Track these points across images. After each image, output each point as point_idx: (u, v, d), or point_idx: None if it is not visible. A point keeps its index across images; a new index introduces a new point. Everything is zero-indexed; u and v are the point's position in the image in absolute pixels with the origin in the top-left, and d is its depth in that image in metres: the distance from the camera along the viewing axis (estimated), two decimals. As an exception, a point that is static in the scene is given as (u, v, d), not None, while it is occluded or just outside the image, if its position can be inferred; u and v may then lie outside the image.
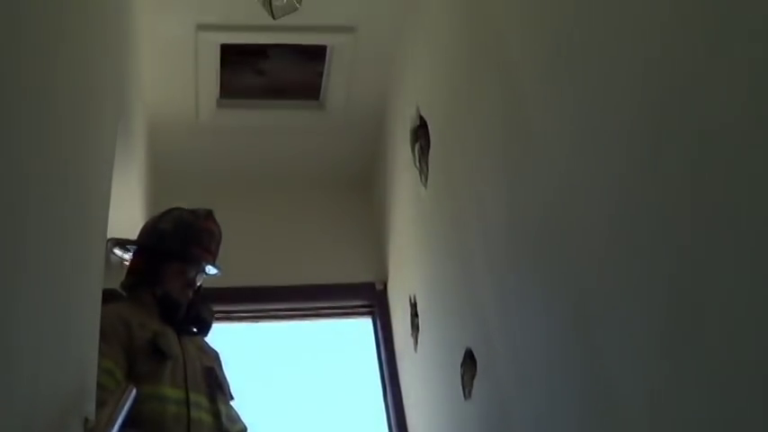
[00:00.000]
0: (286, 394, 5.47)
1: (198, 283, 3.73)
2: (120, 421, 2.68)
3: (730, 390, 1.79)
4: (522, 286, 3.10)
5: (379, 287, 5.61)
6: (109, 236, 3.64)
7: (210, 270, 3.78)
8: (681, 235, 1.96)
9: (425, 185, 4.34)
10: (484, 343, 3.56)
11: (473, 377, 3.70)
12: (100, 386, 2.95)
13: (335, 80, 5.21)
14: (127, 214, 4.43)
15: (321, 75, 5.22)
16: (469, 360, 3.74)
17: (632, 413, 2.25)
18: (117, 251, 3.82)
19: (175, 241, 3.66)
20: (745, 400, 1.73)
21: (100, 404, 2.72)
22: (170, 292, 3.60)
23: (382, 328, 5.53)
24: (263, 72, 5.21)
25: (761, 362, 1.67)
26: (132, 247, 3.78)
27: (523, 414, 3.12)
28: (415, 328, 4.79)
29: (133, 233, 3.93)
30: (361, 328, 5.72)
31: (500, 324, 3.35)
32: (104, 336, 3.10)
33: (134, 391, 2.92)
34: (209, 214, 3.80)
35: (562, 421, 2.76)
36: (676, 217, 1.98)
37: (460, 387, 3.84)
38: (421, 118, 4.39)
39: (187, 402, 3.35)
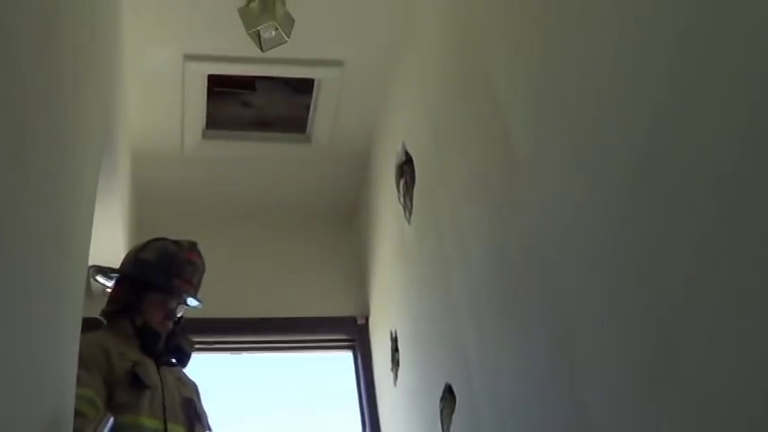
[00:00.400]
0: (265, 426, 5.45)
1: (178, 315, 3.71)
2: None
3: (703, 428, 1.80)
4: (504, 325, 3.11)
5: (360, 321, 5.61)
6: (90, 263, 3.64)
7: (192, 302, 3.76)
8: (665, 279, 1.97)
9: (409, 221, 4.36)
10: (464, 379, 3.56)
11: (452, 413, 3.70)
12: (80, 414, 2.94)
13: (322, 114, 5.23)
14: (109, 243, 4.42)
15: (308, 108, 5.24)
16: (449, 395, 3.74)
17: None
18: (99, 278, 3.80)
19: (157, 272, 3.65)
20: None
21: None
22: (150, 322, 3.59)
23: (363, 362, 5.53)
24: (249, 104, 5.22)
25: (733, 404, 1.69)
26: (114, 275, 3.76)
27: (501, 451, 3.12)
28: (395, 363, 4.79)
29: (115, 261, 3.92)
30: (342, 362, 5.71)
31: (481, 361, 3.35)
32: (85, 364, 3.09)
33: (111, 420, 2.90)
34: (192, 246, 3.78)
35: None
36: (660, 260, 1.99)
37: (439, 422, 3.84)
38: (407, 154, 4.40)
39: None
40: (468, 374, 3.48)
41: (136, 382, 3.35)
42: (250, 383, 5.85)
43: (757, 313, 1.61)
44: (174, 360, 3.67)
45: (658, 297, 1.99)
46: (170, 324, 3.64)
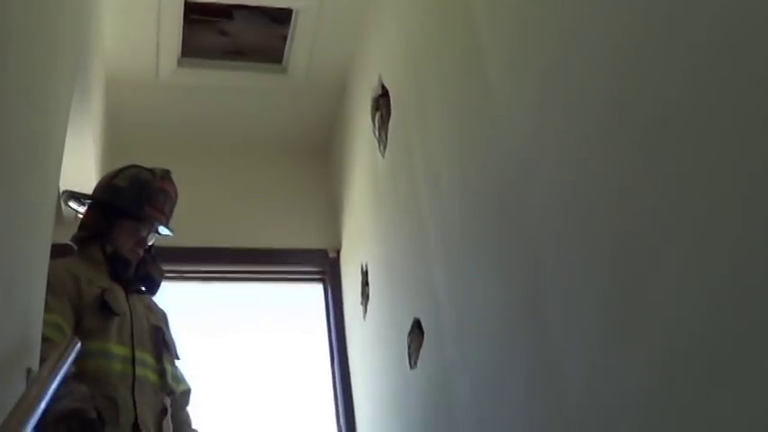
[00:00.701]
0: (233, 357, 5.46)
1: (149, 243, 3.70)
2: (63, 373, 2.67)
3: (668, 370, 1.82)
4: (474, 259, 3.12)
5: (331, 254, 5.61)
6: (63, 189, 3.62)
7: (163, 230, 3.75)
8: (637, 220, 1.98)
9: (383, 155, 4.35)
10: (432, 314, 3.58)
11: (419, 347, 3.72)
12: (47, 340, 2.94)
13: (299, 45, 5.18)
14: (81, 169, 4.40)
15: (285, 38, 5.19)
16: (417, 330, 3.75)
17: (573, 389, 2.28)
18: (72, 204, 3.78)
19: (130, 199, 3.62)
20: (681, 379, 1.76)
21: (46, 358, 2.71)
22: (120, 249, 3.57)
23: (333, 295, 5.54)
24: (226, 33, 5.17)
25: (697, 347, 1.70)
26: (87, 201, 3.74)
27: (467, 385, 3.14)
28: (365, 296, 4.81)
29: (87, 188, 3.90)
30: (313, 295, 5.72)
31: (450, 296, 3.37)
32: (53, 290, 3.08)
33: (78, 344, 2.90)
34: (166, 174, 3.75)
35: (504, 394, 2.79)
36: (634, 191, 1.99)
37: (406, 356, 3.86)
38: (383, 87, 4.38)
39: (133, 360, 3.34)
40: (437, 310, 3.50)
41: (104, 308, 3.35)
42: (220, 314, 5.85)
43: (727, 258, 1.62)
44: (143, 288, 3.67)
45: (629, 238, 2.00)
46: (140, 252, 3.63)
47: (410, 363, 3.83)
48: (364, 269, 4.83)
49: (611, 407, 2.08)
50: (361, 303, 4.85)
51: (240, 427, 5.24)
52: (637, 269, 1.96)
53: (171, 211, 3.74)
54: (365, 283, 4.81)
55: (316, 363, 5.53)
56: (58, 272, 3.22)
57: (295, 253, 5.61)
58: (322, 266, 5.63)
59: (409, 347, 3.84)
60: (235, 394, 5.34)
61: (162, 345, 3.52)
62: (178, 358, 3.65)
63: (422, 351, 3.70)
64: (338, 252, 5.59)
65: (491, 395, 2.91)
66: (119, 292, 3.46)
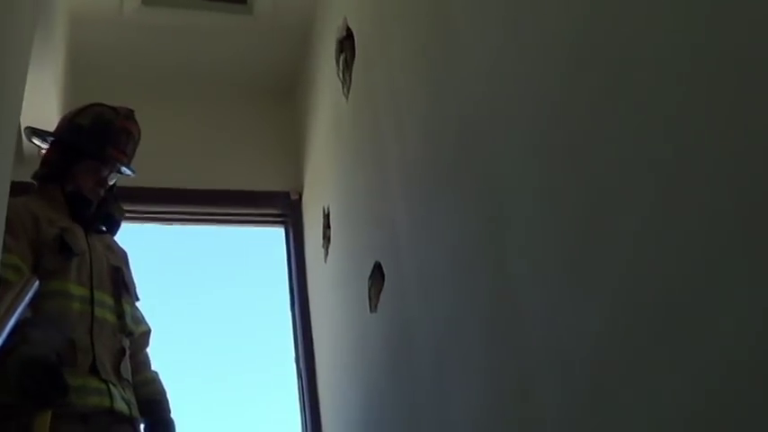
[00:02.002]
0: (193, 298, 5.47)
1: (111, 182, 3.66)
2: (20, 310, 2.66)
3: (626, 314, 1.83)
4: (436, 203, 3.12)
5: (293, 197, 5.58)
6: (24, 126, 3.58)
7: (125, 171, 3.71)
8: (598, 162, 1.99)
9: (347, 97, 4.33)
10: (393, 257, 3.58)
11: (380, 291, 3.72)
12: (6, 282, 2.92)
13: (264, -15, 5.14)
14: (43, 105, 4.34)
15: (250, -23, 5.14)
16: (378, 273, 3.76)
17: (532, 332, 2.29)
18: (35, 140, 3.73)
19: (91, 138, 3.58)
20: (638, 324, 1.78)
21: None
22: (81, 188, 3.53)
23: (294, 238, 5.53)
24: (192, -29, 5.11)
25: (656, 291, 1.72)
26: (50, 138, 3.69)
27: (427, 329, 3.16)
28: (326, 239, 4.81)
29: (48, 125, 3.85)
30: (274, 237, 5.72)
31: (411, 240, 3.37)
32: (11, 229, 3.05)
33: (36, 283, 2.89)
34: (129, 114, 3.70)
35: (464, 338, 2.80)
36: (597, 135, 2.00)
37: (367, 300, 3.87)
38: (348, 29, 4.35)
39: (91, 300, 3.33)
40: (398, 254, 3.51)
41: (64, 248, 3.32)
42: (180, 255, 5.84)
43: (688, 197, 1.63)
44: (103, 228, 3.64)
45: (592, 183, 2.01)
46: (101, 191, 3.60)
47: (370, 307, 3.84)
48: (326, 212, 4.82)
49: (568, 350, 2.09)
50: (323, 246, 4.85)
51: (200, 371, 5.26)
52: (598, 214, 1.97)
53: (133, 152, 3.70)
54: (327, 226, 4.81)
55: (276, 306, 5.54)
56: (17, 211, 3.19)
57: (257, 195, 5.58)
58: (284, 209, 5.61)
59: (369, 291, 3.85)
60: (194, 338, 5.36)
61: (121, 285, 3.51)
62: (137, 299, 3.64)
63: (382, 295, 3.71)
64: (300, 195, 5.57)
65: (451, 339, 2.92)
66: (78, 232, 3.43)
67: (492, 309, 2.59)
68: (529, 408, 2.33)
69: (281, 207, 5.62)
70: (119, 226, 3.70)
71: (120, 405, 3.25)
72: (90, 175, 3.56)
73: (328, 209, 4.79)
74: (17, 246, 3.16)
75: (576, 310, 2.06)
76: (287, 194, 5.60)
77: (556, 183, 2.19)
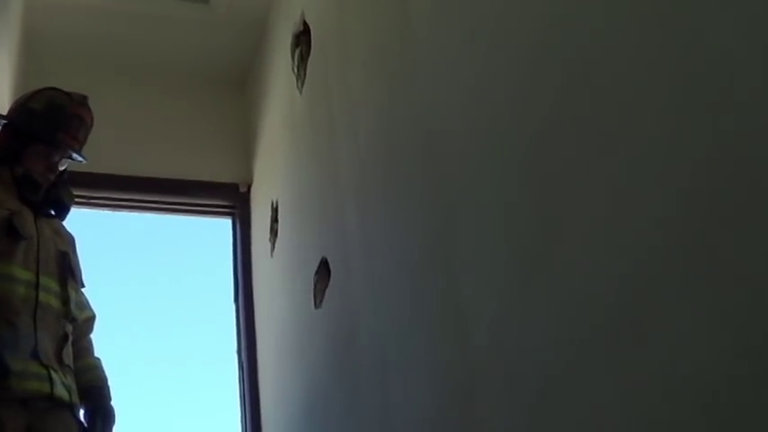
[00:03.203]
0: (138, 286, 5.44)
1: (61, 168, 3.64)
2: None
3: (572, 321, 1.85)
4: (386, 203, 3.13)
5: (242, 189, 5.58)
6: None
7: (76, 157, 3.69)
8: (551, 165, 2.01)
9: (301, 92, 4.33)
10: (341, 254, 3.59)
11: (325, 287, 3.73)
12: None
13: (221, -26, 5.12)
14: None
15: (207, -33, 5.12)
16: (324, 270, 3.77)
17: (478, 335, 2.31)
18: None
19: (43, 123, 3.55)
20: (583, 331, 1.80)
21: None
22: (31, 172, 3.51)
23: (241, 230, 5.52)
24: (149, -42, 5.09)
25: (603, 301, 1.74)
26: (1, 121, 3.66)
27: (372, 327, 3.17)
28: (273, 233, 4.80)
29: (1, 108, 3.82)
30: (221, 229, 5.71)
31: (360, 237, 3.38)
32: None
33: None
34: (82, 100, 3.67)
35: (410, 338, 2.82)
36: (550, 138, 2.02)
37: (312, 295, 3.87)
38: (305, 24, 4.35)
39: (37, 285, 3.30)
40: (346, 250, 3.51)
41: (11, 231, 3.29)
42: (127, 242, 5.81)
43: (637, 207, 1.66)
44: (52, 212, 3.62)
45: (544, 183, 2.03)
46: (52, 176, 3.57)
47: (315, 302, 3.85)
48: (275, 205, 4.82)
49: (514, 353, 2.11)
50: (270, 240, 4.85)
51: (141, 358, 5.24)
52: (548, 219, 1.99)
53: (85, 138, 3.68)
54: (274, 220, 4.80)
55: (220, 298, 5.53)
56: None
57: (206, 185, 5.57)
58: (232, 200, 5.61)
59: (315, 287, 3.86)
60: (137, 325, 5.33)
61: (67, 271, 3.48)
62: (83, 285, 3.62)
63: (328, 291, 3.72)
64: (249, 187, 5.57)
65: (396, 339, 2.94)
66: (27, 216, 3.41)
67: (438, 312, 2.60)
68: (471, 412, 2.35)
69: (229, 198, 5.61)
70: (68, 211, 3.67)
71: (60, 391, 3.22)
72: (41, 159, 3.53)
73: (277, 202, 4.79)
74: None
75: (522, 320, 2.08)
76: (236, 186, 5.60)
77: (508, 190, 2.21)
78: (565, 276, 1.91)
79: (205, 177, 5.58)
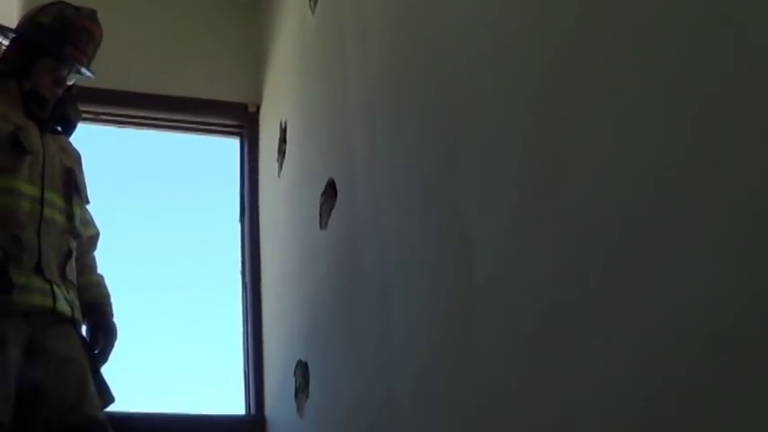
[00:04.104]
0: (142, 203, 5.43)
1: (69, 83, 3.62)
2: None
3: (579, 246, 1.84)
4: (394, 126, 3.11)
5: (251, 109, 5.54)
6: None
7: (84, 72, 3.66)
8: (564, 93, 1.98)
9: (313, 11, 4.27)
10: (347, 176, 3.58)
11: (331, 208, 3.72)
12: None
13: None
14: (3, 4, 4.28)
15: None
16: (330, 191, 3.75)
17: (481, 260, 2.31)
18: None
19: (52, 37, 3.53)
20: (589, 256, 1.79)
21: None
22: (39, 86, 3.49)
23: (249, 150, 5.50)
24: None
25: (610, 228, 1.73)
26: (11, 35, 3.63)
27: (376, 250, 3.17)
28: (281, 153, 4.78)
29: (9, 24, 3.79)
30: (228, 149, 5.69)
31: (367, 159, 3.36)
32: None
33: None
34: (92, 15, 3.64)
35: (413, 261, 2.81)
36: (560, 75, 2.00)
37: (318, 216, 3.87)
38: (318, -57, 4.29)
39: (42, 200, 3.30)
40: (352, 172, 3.50)
41: (17, 146, 3.29)
42: (134, 160, 5.80)
43: (648, 132, 1.63)
44: (59, 128, 3.60)
45: (553, 113, 2.01)
46: (59, 91, 3.56)
47: (320, 223, 3.85)
48: (283, 126, 4.80)
49: (516, 282, 2.11)
50: (277, 160, 4.83)
51: (144, 279, 5.25)
52: (555, 146, 1.98)
53: (94, 53, 3.65)
54: (282, 140, 4.78)
55: (226, 217, 5.54)
56: None
57: (214, 104, 5.53)
58: (241, 120, 5.58)
59: (321, 208, 3.85)
60: (141, 243, 5.33)
61: (72, 187, 3.48)
62: (88, 202, 3.62)
63: (334, 212, 3.71)
64: (258, 107, 5.54)
65: (399, 262, 2.93)
66: (33, 131, 3.39)
67: (442, 238, 2.59)
68: (471, 334, 2.35)
69: (237, 118, 5.58)
70: (74, 127, 3.66)
71: (63, 306, 3.24)
72: (48, 73, 3.52)
73: (285, 123, 4.76)
74: None
75: (526, 251, 2.07)
76: (245, 106, 5.56)
77: (517, 119, 2.19)
78: (570, 209, 1.89)
79: (214, 96, 5.54)
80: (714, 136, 1.44)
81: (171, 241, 5.74)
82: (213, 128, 5.66)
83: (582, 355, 1.79)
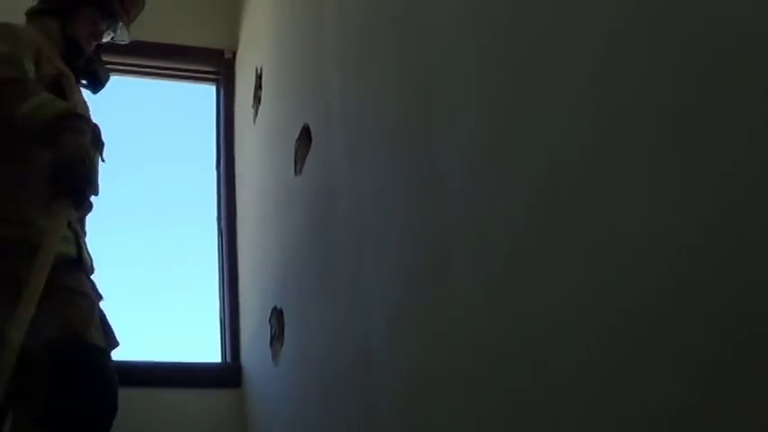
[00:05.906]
0: (117, 149, 5.39)
1: (104, 40, 3.58)
2: None
3: (548, 184, 1.82)
4: (370, 69, 3.08)
5: (227, 55, 5.51)
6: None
7: (120, 33, 3.62)
8: (532, 29, 1.96)
9: (288, -45, 4.23)
10: (322, 122, 3.55)
11: (306, 154, 3.70)
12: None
13: None
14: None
15: None
16: (305, 137, 3.73)
17: (453, 201, 2.29)
18: None
19: None
20: (560, 194, 1.77)
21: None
22: (77, 35, 3.45)
23: (225, 97, 5.47)
24: None
25: (581, 163, 1.71)
26: None
27: (351, 195, 3.14)
28: (257, 100, 4.75)
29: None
30: (204, 95, 5.66)
31: (342, 105, 3.33)
32: (11, 42, 3.08)
33: None
34: None
35: (387, 205, 2.80)
36: (526, 10, 1.97)
37: (292, 162, 3.84)
38: None
39: None
40: (327, 118, 3.47)
41: (59, 92, 3.21)
42: (108, 106, 5.75)
43: (626, 73, 1.61)
44: (85, 82, 3.56)
45: (523, 53, 1.98)
46: (93, 44, 3.53)
47: (296, 169, 3.82)
48: (259, 72, 4.76)
49: (488, 220, 2.09)
50: (253, 107, 4.80)
51: (118, 225, 5.22)
52: (525, 90, 1.95)
53: (135, 18, 3.66)
54: (258, 87, 4.75)
55: (201, 164, 5.52)
56: (20, 33, 3.19)
57: (190, 50, 5.50)
58: (217, 66, 5.54)
59: (296, 153, 3.82)
60: (115, 192, 5.29)
61: (100, 143, 3.44)
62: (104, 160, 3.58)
63: (308, 158, 3.68)
64: (234, 53, 5.49)
65: (373, 206, 2.91)
66: (72, 80, 3.34)
67: (414, 180, 2.57)
68: (441, 276, 2.33)
69: (213, 64, 5.55)
70: (102, 86, 3.62)
71: (86, 257, 3.22)
72: (88, 24, 3.49)
73: (261, 69, 4.73)
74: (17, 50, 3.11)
75: (497, 181, 2.05)
76: (221, 52, 5.52)
77: (487, 59, 2.16)
78: (538, 147, 1.87)
79: (190, 42, 5.50)
80: (688, 78, 1.41)
81: (146, 188, 5.71)
82: (189, 74, 5.63)
83: (553, 296, 1.77)
